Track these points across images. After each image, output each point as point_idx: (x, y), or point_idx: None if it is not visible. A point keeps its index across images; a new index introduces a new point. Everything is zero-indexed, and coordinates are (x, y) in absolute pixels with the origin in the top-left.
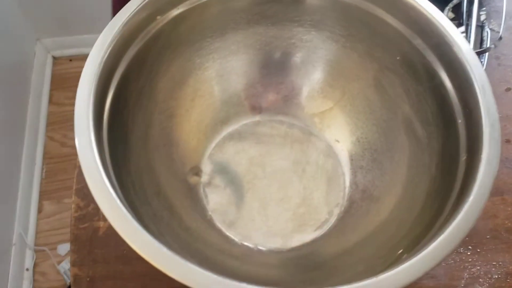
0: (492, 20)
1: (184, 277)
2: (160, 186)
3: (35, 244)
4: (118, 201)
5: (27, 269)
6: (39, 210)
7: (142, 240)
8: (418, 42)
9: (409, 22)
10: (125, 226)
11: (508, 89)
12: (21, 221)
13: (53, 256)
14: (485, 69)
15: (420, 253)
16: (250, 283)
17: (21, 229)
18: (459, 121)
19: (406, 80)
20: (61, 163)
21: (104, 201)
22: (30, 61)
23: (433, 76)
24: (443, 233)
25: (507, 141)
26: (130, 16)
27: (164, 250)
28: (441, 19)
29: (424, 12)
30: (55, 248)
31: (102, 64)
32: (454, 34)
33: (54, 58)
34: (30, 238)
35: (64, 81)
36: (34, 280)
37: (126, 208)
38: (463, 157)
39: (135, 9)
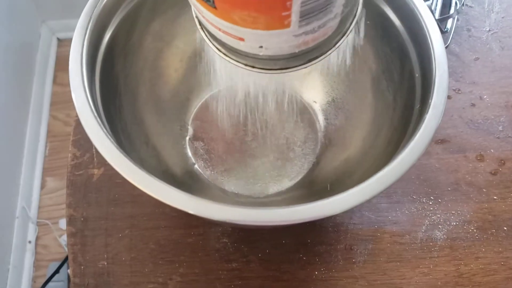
0: None
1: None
2: (149, 136)
3: (38, 218)
4: (112, 143)
5: (30, 242)
6: (42, 186)
7: (129, 168)
8: (385, 7)
9: None
10: (118, 161)
11: (476, 59)
12: (24, 196)
13: (55, 230)
14: (456, 39)
15: (367, 181)
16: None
17: (24, 203)
18: (417, 75)
19: (376, 43)
20: (64, 141)
21: (99, 143)
22: (35, 43)
23: (397, 36)
24: (385, 168)
25: (472, 105)
26: None
27: (150, 177)
28: None
29: None
30: (57, 222)
31: (94, 21)
32: None
33: (59, 40)
34: (33, 212)
35: (68, 63)
36: (36, 253)
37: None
38: (417, 106)
39: None
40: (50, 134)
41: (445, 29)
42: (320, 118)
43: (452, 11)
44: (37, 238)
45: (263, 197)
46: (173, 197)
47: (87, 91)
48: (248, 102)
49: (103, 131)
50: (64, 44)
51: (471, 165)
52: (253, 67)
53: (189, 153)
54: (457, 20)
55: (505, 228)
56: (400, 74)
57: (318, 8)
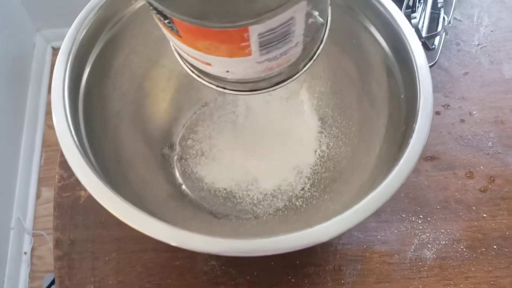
0: (456, 10)
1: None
2: (134, 159)
3: (33, 229)
4: (91, 171)
5: (25, 253)
6: (38, 196)
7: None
8: (371, 28)
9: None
10: (97, 189)
11: (465, 73)
12: (19, 206)
13: (50, 241)
14: (445, 54)
15: (348, 210)
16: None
17: (19, 214)
18: (402, 96)
19: (361, 62)
20: (59, 151)
21: (80, 172)
22: (30, 52)
23: (383, 58)
24: (369, 194)
25: (462, 120)
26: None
27: (133, 209)
28: (387, 3)
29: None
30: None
31: (77, 45)
32: (398, 17)
33: (54, 48)
34: (28, 222)
35: None
36: (31, 264)
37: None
38: (402, 127)
39: None
40: (45, 143)
41: (433, 46)
42: (312, 137)
43: (440, 28)
44: (33, 249)
45: (253, 219)
46: (153, 228)
47: (68, 116)
48: (237, 120)
49: (83, 158)
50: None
51: (460, 182)
52: (224, 88)
53: (177, 174)
54: (446, 34)
55: (494, 246)
56: (386, 95)
57: (277, 39)
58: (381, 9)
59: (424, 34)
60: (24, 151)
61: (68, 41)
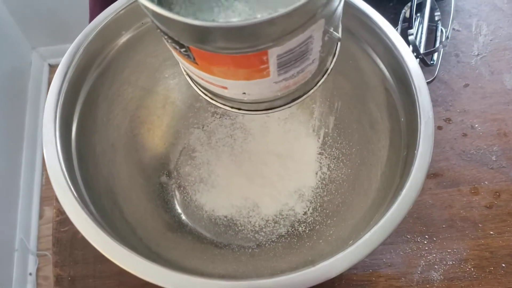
0: (454, 20)
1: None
2: (129, 191)
3: (37, 249)
4: (85, 213)
5: (30, 274)
6: (40, 215)
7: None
8: (368, 49)
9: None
10: (94, 234)
11: (466, 85)
12: (22, 227)
13: None
14: (445, 66)
15: (354, 243)
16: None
17: (22, 235)
18: (402, 119)
19: (358, 84)
20: None
21: (72, 212)
22: (27, 70)
23: (383, 81)
24: (373, 227)
25: (464, 135)
26: (96, 32)
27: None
28: (384, 25)
29: (371, 21)
30: None
31: (68, 80)
32: (395, 39)
33: (50, 66)
34: (32, 243)
35: None
36: (37, 284)
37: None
38: (404, 152)
39: (101, 25)
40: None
41: (432, 62)
42: (312, 159)
43: (438, 42)
44: (38, 270)
45: (255, 247)
46: (148, 271)
47: (60, 156)
48: (235, 144)
49: (73, 195)
50: (55, 70)
51: (465, 199)
52: (239, 109)
53: (176, 202)
54: (445, 46)
55: (503, 264)
56: (386, 117)
57: (295, 58)
58: (378, 30)
59: (422, 49)
60: (24, 171)
61: (58, 77)
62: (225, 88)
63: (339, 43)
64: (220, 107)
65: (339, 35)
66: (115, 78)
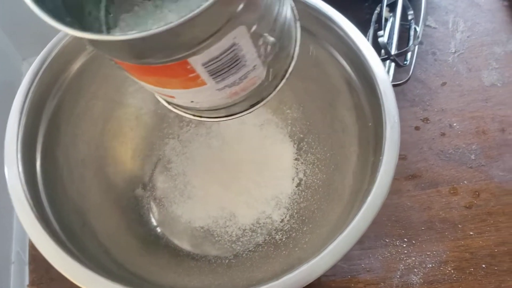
0: (429, 17)
1: None
2: (104, 206)
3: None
4: (47, 233)
5: (28, 285)
6: None
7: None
8: (334, 52)
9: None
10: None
11: (443, 84)
12: (18, 240)
13: None
14: (421, 65)
15: (316, 256)
16: None
17: (19, 247)
18: (370, 124)
19: (328, 88)
20: None
21: (34, 234)
22: (18, 81)
23: (351, 84)
24: (338, 237)
25: (442, 134)
26: (59, 48)
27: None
28: (349, 28)
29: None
30: None
31: (30, 99)
32: (360, 42)
33: None
34: (28, 256)
35: None
36: None
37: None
38: (372, 158)
39: (63, 40)
40: None
41: (405, 62)
42: (288, 165)
43: (411, 42)
44: None
45: (232, 257)
46: None
47: (22, 176)
48: (211, 153)
49: (35, 216)
50: None
51: (444, 200)
52: (201, 116)
53: (151, 215)
54: (421, 44)
55: (483, 265)
56: (355, 121)
57: (227, 66)
58: (342, 34)
59: (393, 50)
60: None
61: (20, 97)
62: (173, 97)
63: (297, 46)
64: (183, 115)
65: (274, 39)
66: (82, 93)
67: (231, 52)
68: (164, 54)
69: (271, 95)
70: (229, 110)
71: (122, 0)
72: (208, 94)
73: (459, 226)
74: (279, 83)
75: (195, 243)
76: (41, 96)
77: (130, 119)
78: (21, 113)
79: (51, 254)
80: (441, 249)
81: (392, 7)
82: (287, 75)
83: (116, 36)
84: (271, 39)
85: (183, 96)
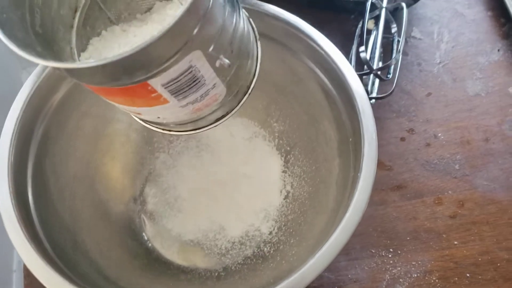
0: (414, 28)
1: None
2: (95, 221)
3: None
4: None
5: None
6: None
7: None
8: (316, 69)
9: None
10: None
11: (429, 94)
12: None
13: None
14: (407, 76)
15: (300, 268)
16: None
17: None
18: (350, 139)
19: (310, 102)
20: None
21: (24, 252)
22: (17, 90)
23: (332, 99)
24: (317, 253)
25: (427, 144)
26: (49, 69)
27: None
28: (326, 45)
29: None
30: None
31: (20, 121)
32: (340, 61)
33: None
34: (23, 270)
35: None
36: None
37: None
38: (352, 173)
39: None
40: None
41: (388, 76)
42: (276, 177)
43: (394, 54)
44: None
45: (221, 270)
46: None
47: (11, 192)
48: (201, 166)
49: (25, 235)
50: None
51: (429, 210)
52: (170, 130)
53: (142, 229)
54: (406, 55)
55: (467, 274)
56: (337, 136)
57: (187, 85)
58: (321, 51)
59: (376, 64)
60: None
61: (11, 119)
62: (139, 114)
63: (258, 64)
64: (153, 130)
65: (228, 62)
66: (72, 113)
67: (189, 73)
68: (127, 77)
69: (235, 110)
70: (195, 124)
71: (92, 24)
72: (172, 111)
73: (444, 235)
74: (242, 98)
75: (185, 256)
76: (31, 117)
77: (121, 134)
78: (12, 133)
79: (42, 274)
80: (426, 258)
81: (376, 20)
82: (249, 91)
83: (79, 64)
84: (227, 61)
85: (149, 113)
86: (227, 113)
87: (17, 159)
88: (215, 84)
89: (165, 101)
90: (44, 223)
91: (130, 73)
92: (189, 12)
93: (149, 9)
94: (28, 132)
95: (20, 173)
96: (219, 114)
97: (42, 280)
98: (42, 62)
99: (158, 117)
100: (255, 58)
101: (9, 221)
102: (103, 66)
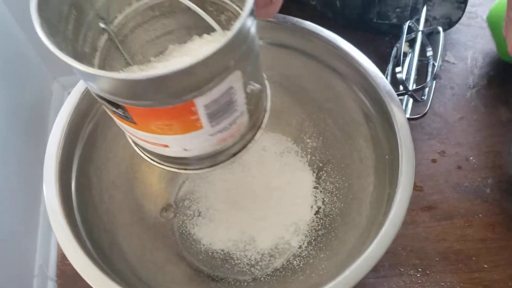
0: (448, 52)
1: None
2: (131, 226)
3: (56, 276)
4: (81, 249)
5: None
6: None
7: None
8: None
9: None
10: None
11: (461, 118)
12: (41, 254)
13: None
14: (440, 99)
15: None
16: None
17: (42, 261)
18: (387, 157)
19: (347, 120)
20: None
21: (70, 250)
22: (48, 100)
23: (369, 117)
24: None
25: (459, 167)
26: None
27: None
28: (368, 65)
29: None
30: None
31: (69, 124)
32: (379, 80)
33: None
34: (51, 269)
35: None
36: None
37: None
38: (387, 190)
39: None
40: None
41: (422, 97)
42: (307, 193)
43: (429, 77)
44: None
45: (251, 281)
46: None
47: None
48: (233, 178)
49: (71, 234)
50: None
51: (459, 232)
52: (186, 169)
53: (174, 236)
54: (440, 79)
55: None
56: (373, 153)
57: (223, 109)
58: (361, 69)
59: (411, 85)
60: (44, 199)
61: (61, 120)
62: (167, 146)
63: (269, 100)
64: (169, 170)
65: (260, 86)
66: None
67: (227, 95)
68: (175, 94)
69: (251, 144)
70: (214, 160)
71: (110, 64)
72: (201, 140)
73: (474, 258)
74: (256, 133)
75: (215, 265)
76: (79, 120)
77: None
78: (61, 136)
79: (87, 272)
80: (455, 280)
81: (411, 43)
82: (262, 126)
83: (138, 75)
84: (258, 86)
85: (177, 143)
86: (244, 147)
87: (64, 161)
88: (242, 111)
89: (200, 127)
90: (85, 222)
91: (181, 89)
92: (243, 28)
93: (161, 52)
94: (75, 135)
95: (66, 174)
96: (236, 148)
97: (86, 277)
98: (98, 73)
99: (185, 149)
100: (266, 93)
101: (55, 219)
102: (160, 78)
